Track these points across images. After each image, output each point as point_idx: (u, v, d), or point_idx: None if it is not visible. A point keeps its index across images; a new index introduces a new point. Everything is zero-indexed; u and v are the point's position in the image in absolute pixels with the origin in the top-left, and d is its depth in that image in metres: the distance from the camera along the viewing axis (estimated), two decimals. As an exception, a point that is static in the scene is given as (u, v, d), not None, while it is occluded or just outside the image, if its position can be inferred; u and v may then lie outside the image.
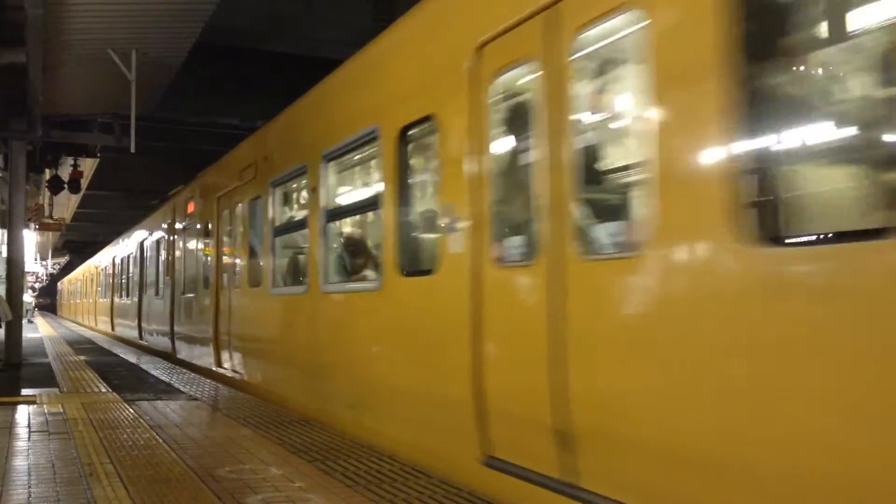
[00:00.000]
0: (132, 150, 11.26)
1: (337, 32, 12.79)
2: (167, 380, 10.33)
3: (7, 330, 12.68)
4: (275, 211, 8.62)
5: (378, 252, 6.22)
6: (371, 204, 6.30)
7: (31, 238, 23.98)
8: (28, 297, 32.53)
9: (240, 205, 9.89)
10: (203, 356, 11.54)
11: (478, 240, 4.51)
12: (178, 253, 14.03)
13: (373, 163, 6.75)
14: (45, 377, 10.64)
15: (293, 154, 7.94)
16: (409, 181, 5.73)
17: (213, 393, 8.92)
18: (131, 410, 7.46)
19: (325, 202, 7.03)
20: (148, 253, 17.63)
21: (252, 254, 9.35)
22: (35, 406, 7.71)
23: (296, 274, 8.38)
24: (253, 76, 13.89)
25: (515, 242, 4.31)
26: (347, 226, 7.63)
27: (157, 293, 15.93)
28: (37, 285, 56.91)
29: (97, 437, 6.01)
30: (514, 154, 4.56)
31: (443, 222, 4.91)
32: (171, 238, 14.58)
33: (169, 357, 13.81)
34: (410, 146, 5.63)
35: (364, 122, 6.14)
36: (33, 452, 5.42)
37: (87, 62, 10.19)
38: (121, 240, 22.89)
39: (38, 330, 26.66)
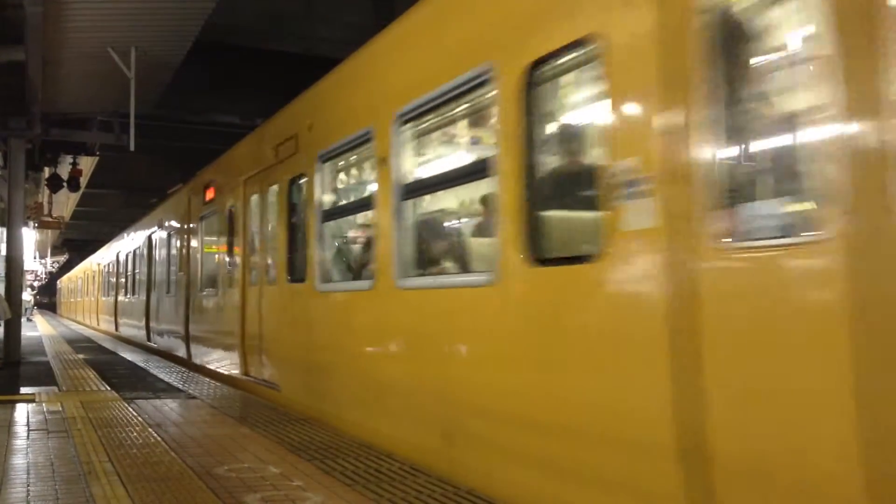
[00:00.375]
0: (131, 149, 11.25)
1: (336, 31, 12.81)
2: (166, 378, 10.33)
3: (6, 328, 12.68)
4: (324, 191, 7.14)
5: (488, 234, 4.88)
6: (476, 171, 4.86)
7: (30, 236, 23.98)
8: (27, 296, 32.52)
9: (274, 186, 8.43)
10: (225, 362, 10.20)
11: (683, 207, 3.09)
12: (194, 246, 12.52)
13: (478, 117, 5.33)
14: (44, 375, 10.64)
15: (353, 118, 6.45)
16: (541, 135, 4.34)
17: (212, 392, 8.91)
18: (130, 409, 7.45)
19: (399, 175, 5.55)
20: (158, 247, 16.14)
21: (292, 244, 7.90)
22: (34, 404, 7.71)
23: (355, 266, 7.03)
24: (252, 75, 13.90)
25: (768, 209, 2.96)
26: (434, 203, 6.06)
27: (168, 291, 14.48)
28: (36, 284, 56.91)
29: (96, 435, 6.01)
30: (755, 75, 3.18)
31: (612, 187, 3.47)
32: (186, 229, 13.09)
33: (182, 362, 12.55)
34: (544, 87, 4.24)
35: (466, 64, 4.70)
36: (32, 451, 5.41)
37: (87, 60, 10.18)
38: (126, 234, 21.53)
39: (38, 328, 26.66)
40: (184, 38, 9.71)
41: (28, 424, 6.55)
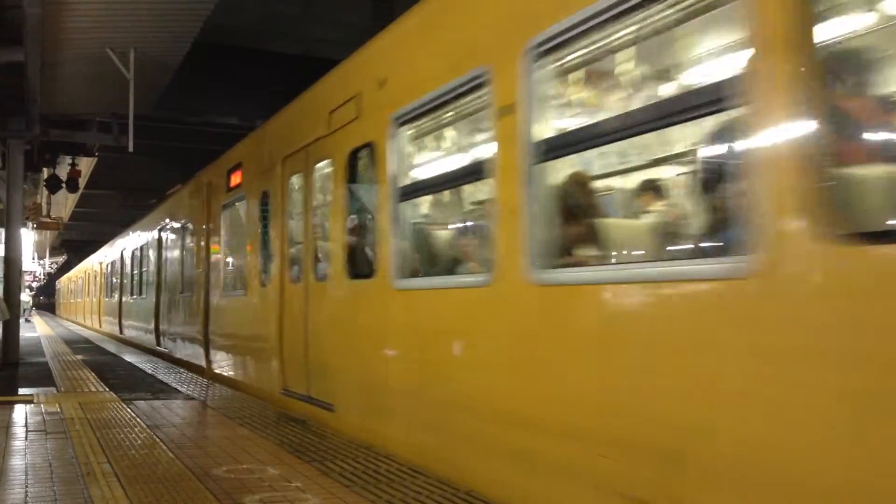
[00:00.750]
0: (130, 150, 11.26)
1: (335, 32, 12.83)
2: (165, 380, 10.32)
3: (5, 329, 12.68)
4: (402, 161, 5.60)
5: (725, 198, 3.44)
6: (710, 101, 3.12)
7: (28, 237, 23.96)
8: (25, 297, 32.51)
9: (326, 162, 6.95)
10: (256, 374, 8.85)
11: None
12: (215, 240, 10.99)
13: (702, 21, 3.62)
14: (42, 376, 10.63)
15: (452, 60, 4.89)
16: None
17: (210, 393, 8.91)
18: (129, 410, 7.45)
19: (534, 129, 4.03)
20: (168, 243, 14.72)
21: (353, 231, 6.47)
22: (32, 405, 7.71)
23: (453, 256, 5.68)
24: (251, 76, 13.92)
25: None
26: (601, 163, 4.48)
27: (182, 291, 13.05)
28: (34, 284, 56.89)
29: (94, 436, 6.01)
30: None
31: None
32: (205, 221, 11.47)
33: (199, 370, 11.25)
34: None
35: None
36: (30, 452, 5.41)
37: (86, 61, 10.19)
38: (132, 230, 20.02)
39: (36, 329, 26.64)
40: (183, 39, 9.72)
41: (26, 425, 6.54)
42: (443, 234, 5.96)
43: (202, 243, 11.66)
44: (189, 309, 12.36)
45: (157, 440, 5.86)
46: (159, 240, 15.57)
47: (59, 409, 7.43)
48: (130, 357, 14.33)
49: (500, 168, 4.33)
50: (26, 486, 4.44)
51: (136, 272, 18.90)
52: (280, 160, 8.08)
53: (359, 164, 6.37)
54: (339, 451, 5.42)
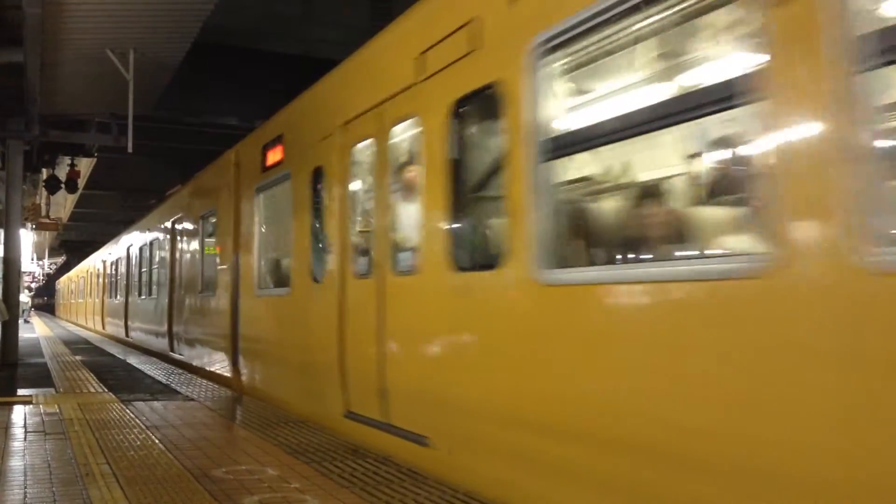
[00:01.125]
0: (129, 150, 11.26)
1: (334, 32, 12.85)
2: (164, 380, 10.31)
3: (4, 330, 12.67)
4: (550, 104, 4.08)
5: None
6: None
7: (27, 238, 23.96)
8: (24, 297, 32.50)
9: (408, 123, 5.51)
10: (306, 390, 7.26)
11: None
12: (245, 230, 9.39)
13: None
14: (41, 377, 10.62)
15: None
16: None
17: (209, 394, 8.89)
18: (128, 411, 7.44)
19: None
20: (185, 237, 13.18)
21: (462, 206, 4.88)
22: (31, 406, 7.69)
23: (664, 235, 4.01)
24: (251, 76, 13.94)
25: None
26: None
27: (202, 290, 11.57)
28: (33, 285, 56.90)
29: (93, 437, 6.00)
30: None
31: None
32: (233, 209, 9.84)
33: (224, 381, 9.82)
34: None
35: None
36: (29, 453, 5.40)
37: (85, 62, 10.19)
38: (139, 226, 18.77)
39: (35, 330, 26.63)
40: (182, 39, 9.72)
41: (25, 426, 6.53)
42: (625, 204, 4.41)
43: (229, 234, 9.97)
44: (212, 310, 10.82)
45: (156, 441, 5.85)
46: (173, 234, 13.98)
47: (57, 410, 7.42)
48: (130, 359, 14.31)
49: (778, 87, 2.73)
50: (25, 487, 4.43)
51: (145, 270, 17.37)
52: (339, 126, 6.59)
53: (468, 117, 4.85)
54: (338, 452, 5.41)
